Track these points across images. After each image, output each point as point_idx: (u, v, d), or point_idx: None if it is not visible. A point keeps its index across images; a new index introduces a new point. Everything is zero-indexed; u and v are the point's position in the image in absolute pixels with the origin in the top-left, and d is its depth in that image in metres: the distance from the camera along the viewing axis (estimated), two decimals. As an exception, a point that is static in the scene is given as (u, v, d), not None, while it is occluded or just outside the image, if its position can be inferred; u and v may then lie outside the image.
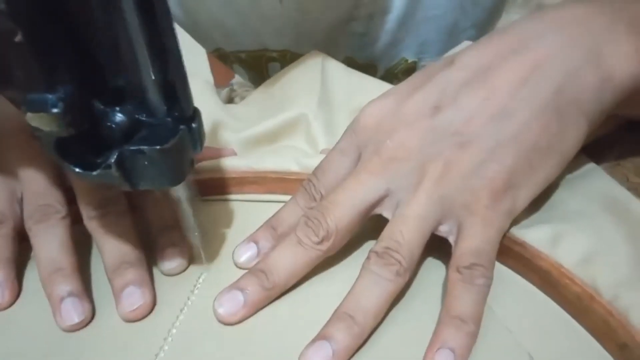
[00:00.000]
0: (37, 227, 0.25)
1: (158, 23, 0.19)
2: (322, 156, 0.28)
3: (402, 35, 0.44)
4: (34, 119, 0.19)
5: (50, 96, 0.18)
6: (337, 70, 0.34)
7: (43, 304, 0.24)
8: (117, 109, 0.22)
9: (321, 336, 0.22)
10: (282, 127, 0.33)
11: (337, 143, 0.27)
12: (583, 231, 0.24)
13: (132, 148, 0.21)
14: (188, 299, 0.25)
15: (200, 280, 0.26)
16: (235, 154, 0.32)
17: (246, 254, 0.26)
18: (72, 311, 0.24)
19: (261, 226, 0.27)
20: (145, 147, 0.21)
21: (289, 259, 0.24)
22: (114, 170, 0.20)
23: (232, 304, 0.23)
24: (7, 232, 0.26)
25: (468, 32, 0.45)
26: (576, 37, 0.24)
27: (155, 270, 0.27)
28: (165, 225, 0.27)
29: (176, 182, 0.22)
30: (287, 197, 0.28)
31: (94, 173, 0.21)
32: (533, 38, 0.24)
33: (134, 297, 0.24)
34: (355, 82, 0.34)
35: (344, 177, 0.25)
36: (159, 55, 0.21)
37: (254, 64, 0.47)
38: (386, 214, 0.25)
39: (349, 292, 0.23)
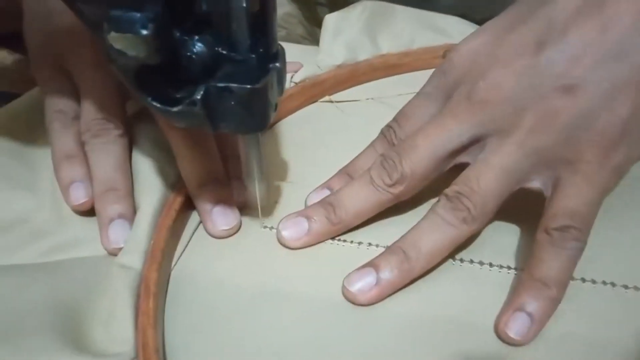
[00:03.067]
0: (93, 142, 0.24)
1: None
2: None
3: None
4: (118, 40, 0.16)
5: (139, 15, 0.16)
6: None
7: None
8: (196, 37, 0.19)
9: (370, 264, 0.21)
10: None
11: (424, 86, 0.25)
12: None
13: (219, 85, 0.18)
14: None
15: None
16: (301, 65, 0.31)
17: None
18: (120, 234, 0.23)
19: (337, 173, 0.26)
20: (234, 85, 0.18)
21: (358, 197, 0.23)
22: (198, 108, 0.18)
23: (296, 229, 0.23)
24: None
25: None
26: None
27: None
28: (234, 154, 0.25)
29: (261, 127, 0.20)
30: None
31: (175, 109, 0.18)
32: None
33: (228, 217, 0.24)
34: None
35: (426, 122, 0.23)
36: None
37: (305, 3, 0.43)
38: (470, 161, 0.22)
39: (410, 230, 0.22)
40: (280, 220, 0.24)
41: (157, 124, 0.24)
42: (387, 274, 0.21)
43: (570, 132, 0.20)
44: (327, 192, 0.25)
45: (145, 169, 0.25)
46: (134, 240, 0.22)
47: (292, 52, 0.32)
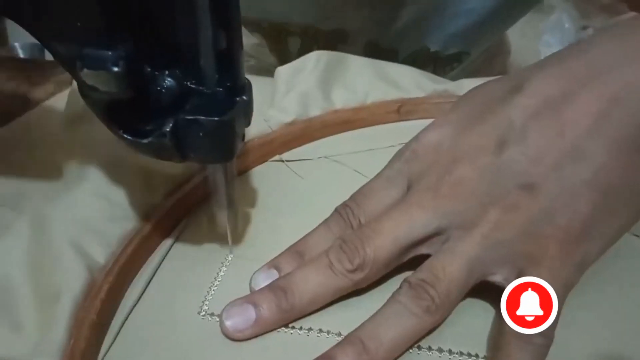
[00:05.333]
0: None
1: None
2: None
3: (429, 24, 0.43)
4: (91, 77, 0.17)
5: (110, 53, 0.17)
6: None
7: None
8: (166, 72, 0.20)
9: (325, 356, 0.20)
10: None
11: (384, 169, 0.25)
12: None
13: (188, 117, 0.19)
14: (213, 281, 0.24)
15: (227, 262, 0.25)
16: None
17: (266, 282, 0.22)
18: None
19: (285, 250, 0.24)
20: (202, 118, 0.19)
21: (314, 282, 0.21)
22: (167, 139, 0.19)
23: (241, 318, 0.21)
24: None
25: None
26: None
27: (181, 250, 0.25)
28: None
29: (228, 157, 0.21)
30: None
31: (144, 141, 0.19)
32: (612, 66, 0.21)
33: None
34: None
35: (388, 207, 0.23)
36: (220, 19, 0.19)
37: (274, 35, 0.45)
38: (431, 253, 0.22)
39: (369, 318, 0.21)
40: (224, 308, 0.21)
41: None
42: None
43: (533, 228, 0.20)
44: (274, 273, 0.23)
45: (68, 247, 0.22)
46: (50, 339, 0.19)
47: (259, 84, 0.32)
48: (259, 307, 0.21)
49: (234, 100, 0.20)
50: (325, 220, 0.24)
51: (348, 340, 0.20)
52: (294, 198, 0.28)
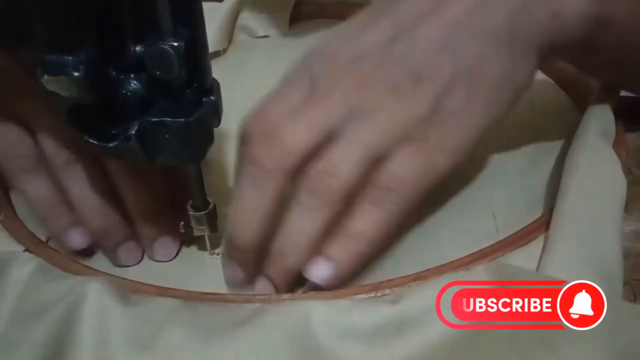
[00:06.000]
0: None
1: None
2: None
3: None
4: (51, 83, 0.17)
5: (70, 58, 0.17)
6: None
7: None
8: (132, 76, 0.20)
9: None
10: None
11: (286, 78, 0.24)
12: None
13: (153, 120, 0.19)
14: None
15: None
16: None
17: None
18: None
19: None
20: (168, 120, 0.19)
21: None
22: (133, 143, 0.19)
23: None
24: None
25: None
26: None
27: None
28: (148, 210, 0.24)
29: (198, 158, 0.21)
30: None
31: (110, 145, 0.19)
32: None
33: (169, 248, 0.24)
34: None
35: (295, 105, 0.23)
36: (182, 21, 0.19)
37: None
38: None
39: (281, 227, 0.22)
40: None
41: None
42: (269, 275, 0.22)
43: (420, 115, 0.22)
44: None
45: None
46: None
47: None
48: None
49: (201, 100, 0.20)
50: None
51: (269, 256, 0.22)
52: None
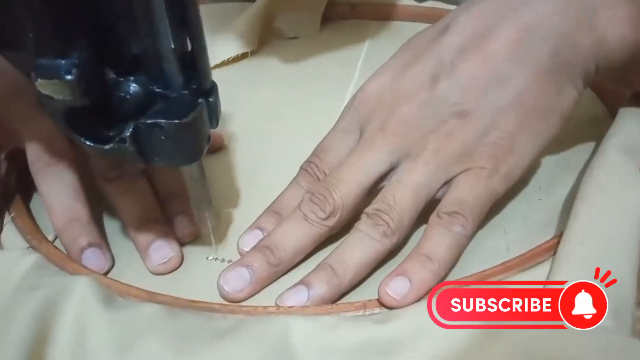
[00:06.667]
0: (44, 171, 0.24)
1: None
2: None
3: None
4: (45, 86, 0.17)
5: (63, 62, 0.17)
6: None
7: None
8: (131, 78, 0.20)
9: (301, 282, 0.23)
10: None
11: (338, 122, 0.27)
12: None
13: (148, 122, 0.19)
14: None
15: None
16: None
17: (252, 242, 0.25)
18: (95, 262, 0.24)
19: (264, 212, 0.26)
20: (162, 121, 0.19)
21: (295, 235, 0.24)
22: (128, 145, 0.19)
23: (238, 281, 0.23)
24: None
25: None
26: None
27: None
28: (172, 194, 0.26)
29: (193, 159, 0.21)
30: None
31: (106, 147, 0.19)
32: (524, 0, 0.24)
33: (164, 250, 0.24)
34: None
35: (346, 155, 0.25)
36: (180, 23, 0.19)
37: None
38: None
39: (336, 248, 0.23)
40: (219, 275, 0.23)
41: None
42: (318, 289, 0.22)
43: (467, 148, 0.24)
44: (258, 233, 0.25)
45: None
46: None
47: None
48: (250, 267, 0.23)
49: (196, 102, 0.20)
50: (294, 179, 0.27)
51: (319, 267, 0.23)
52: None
